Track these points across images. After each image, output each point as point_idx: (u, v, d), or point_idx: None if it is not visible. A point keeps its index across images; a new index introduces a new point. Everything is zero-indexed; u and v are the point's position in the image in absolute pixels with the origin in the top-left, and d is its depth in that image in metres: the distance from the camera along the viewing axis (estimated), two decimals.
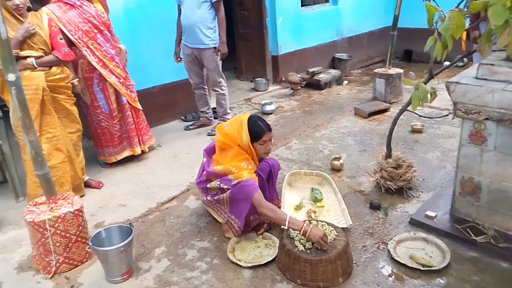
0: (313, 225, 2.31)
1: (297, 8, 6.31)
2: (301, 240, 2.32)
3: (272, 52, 6.28)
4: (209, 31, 4.23)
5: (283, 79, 5.98)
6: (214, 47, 4.31)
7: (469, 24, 2.29)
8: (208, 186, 2.68)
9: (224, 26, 4.30)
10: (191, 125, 4.86)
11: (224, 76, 4.58)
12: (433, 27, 2.26)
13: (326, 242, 2.24)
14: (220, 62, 4.45)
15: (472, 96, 2.31)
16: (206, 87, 4.70)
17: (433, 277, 2.24)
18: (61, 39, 3.16)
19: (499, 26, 1.93)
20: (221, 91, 4.55)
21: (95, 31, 3.47)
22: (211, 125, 4.81)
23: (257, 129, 2.56)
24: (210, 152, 2.77)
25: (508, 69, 2.24)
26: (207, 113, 4.85)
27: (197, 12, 4.15)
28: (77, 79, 3.44)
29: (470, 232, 2.47)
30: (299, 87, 6.04)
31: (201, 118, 4.88)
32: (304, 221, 2.35)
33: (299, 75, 5.95)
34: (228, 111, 4.70)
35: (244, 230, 2.64)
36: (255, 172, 2.62)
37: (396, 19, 5.11)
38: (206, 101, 4.79)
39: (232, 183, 2.51)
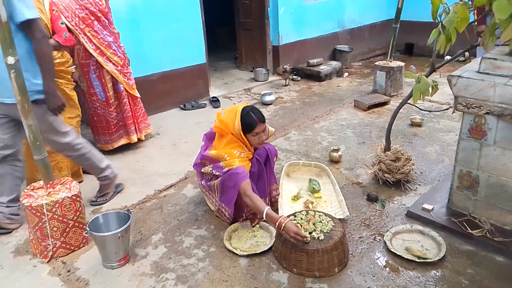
0: (289, 220, 2.30)
1: None
2: None
3: (273, 42, 6.26)
4: (27, 74, 2.35)
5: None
6: (41, 99, 2.53)
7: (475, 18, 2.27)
8: (202, 170, 2.74)
9: (46, 64, 2.48)
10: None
11: (69, 128, 2.80)
12: (437, 20, 2.25)
13: (300, 238, 2.21)
14: (56, 117, 2.67)
15: (474, 90, 2.30)
16: (21, 160, 2.78)
17: (428, 269, 2.25)
18: (62, 23, 3.10)
19: (504, 20, 1.91)
20: (78, 152, 2.84)
21: (92, 18, 3.43)
22: (9, 230, 2.77)
23: (249, 120, 2.56)
24: (210, 137, 2.81)
25: (511, 64, 2.22)
26: (10, 207, 2.75)
27: None
28: (74, 66, 3.40)
29: (466, 225, 2.48)
30: (289, 78, 6.04)
31: None
32: (282, 216, 2.35)
33: (285, 66, 5.95)
34: (102, 165, 3.00)
35: (239, 216, 2.67)
36: (252, 158, 2.65)
37: (398, 11, 5.07)
38: (13, 185, 2.76)
39: (223, 170, 2.55)
